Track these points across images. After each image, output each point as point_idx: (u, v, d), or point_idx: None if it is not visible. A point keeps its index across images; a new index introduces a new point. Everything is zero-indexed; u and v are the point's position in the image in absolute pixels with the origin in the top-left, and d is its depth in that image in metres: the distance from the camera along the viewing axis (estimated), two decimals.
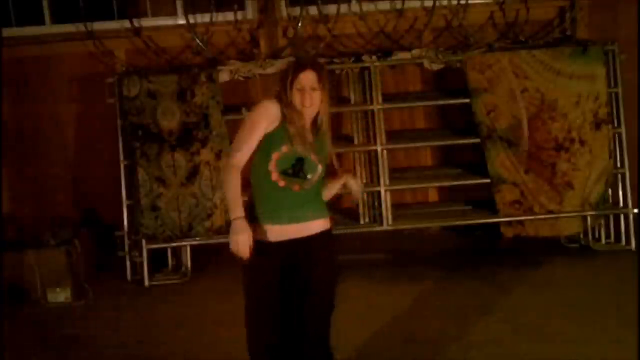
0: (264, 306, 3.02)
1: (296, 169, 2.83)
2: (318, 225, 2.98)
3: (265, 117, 2.81)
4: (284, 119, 2.80)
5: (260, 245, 2.84)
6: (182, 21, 5.82)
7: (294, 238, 2.89)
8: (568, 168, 5.31)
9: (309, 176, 2.85)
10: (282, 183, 2.84)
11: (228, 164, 2.85)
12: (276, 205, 2.88)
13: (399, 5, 5.79)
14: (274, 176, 2.84)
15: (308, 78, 2.80)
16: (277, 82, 2.91)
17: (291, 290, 2.96)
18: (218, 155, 5.38)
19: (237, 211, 2.82)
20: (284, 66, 2.97)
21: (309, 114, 2.83)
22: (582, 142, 5.31)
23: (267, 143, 2.83)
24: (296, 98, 2.80)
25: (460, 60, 5.36)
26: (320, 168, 2.88)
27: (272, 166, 2.82)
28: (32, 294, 5.05)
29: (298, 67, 2.84)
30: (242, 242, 2.78)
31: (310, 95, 2.80)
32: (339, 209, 6.01)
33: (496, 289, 4.73)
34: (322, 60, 5.56)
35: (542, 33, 5.86)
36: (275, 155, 2.82)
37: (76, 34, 5.82)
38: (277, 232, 2.88)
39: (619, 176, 5.43)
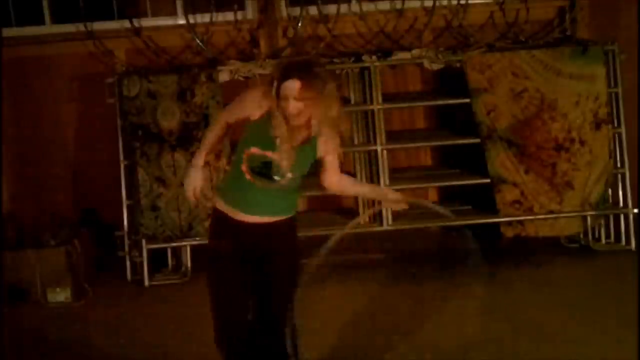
0: (224, 282, 3.03)
1: (263, 170, 2.82)
2: (275, 220, 2.92)
3: (251, 102, 2.82)
4: (269, 117, 2.75)
5: (221, 216, 2.91)
6: (182, 21, 5.82)
7: (251, 223, 2.88)
8: (568, 168, 5.31)
9: (276, 178, 2.82)
10: (248, 176, 2.83)
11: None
12: (238, 192, 2.88)
13: (399, 5, 5.79)
14: (244, 167, 2.84)
15: (292, 87, 2.65)
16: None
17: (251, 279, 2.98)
18: (218, 156, 5.37)
19: (197, 159, 2.98)
20: (273, 68, 2.87)
21: (295, 123, 2.72)
22: (582, 142, 5.31)
23: (245, 135, 2.86)
24: (281, 106, 2.70)
25: (460, 60, 5.36)
26: (291, 175, 2.81)
27: (243, 159, 2.83)
28: (32, 294, 5.05)
29: (283, 73, 2.70)
30: (189, 184, 2.94)
31: (294, 105, 2.66)
32: (339, 208, 6.02)
33: (496, 289, 4.73)
34: (322, 60, 5.57)
35: (542, 33, 5.86)
36: (245, 153, 2.83)
37: (76, 34, 5.82)
38: (234, 214, 2.89)
39: (619, 176, 5.43)
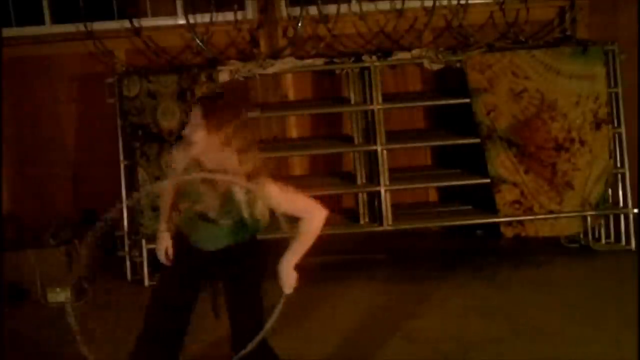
0: (164, 284, 3.20)
1: (202, 217, 2.91)
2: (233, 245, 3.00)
3: (173, 164, 2.97)
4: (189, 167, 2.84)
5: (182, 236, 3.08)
6: (182, 21, 5.82)
7: (208, 251, 3.01)
8: (568, 168, 5.31)
9: (219, 221, 2.89)
10: (192, 221, 2.97)
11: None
12: (191, 230, 3.03)
13: (399, 5, 5.79)
14: (186, 216, 3.04)
15: (193, 114, 2.75)
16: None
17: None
18: None
19: (161, 225, 3.22)
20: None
21: (199, 151, 2.75)
22: (582, 142, 5.31)
23: (178, 192, 3.07)
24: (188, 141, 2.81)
25: (460, 60, 5.36)
26: (227, 220, 2.87)
27: (182, 212, 3.06)
28: (32, 294, 5.05)
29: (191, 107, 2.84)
30: (159, 250, 3.18)
31: (194, 130, 2.73)
32: (339, 208, 6.02)
33: (496, 289, 4.73)
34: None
35: (542, 33, 5.86)
36: (180, 209, 3.07)
37: (76, 34, 5.82)
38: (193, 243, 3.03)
39: (619, 176, 5.43)
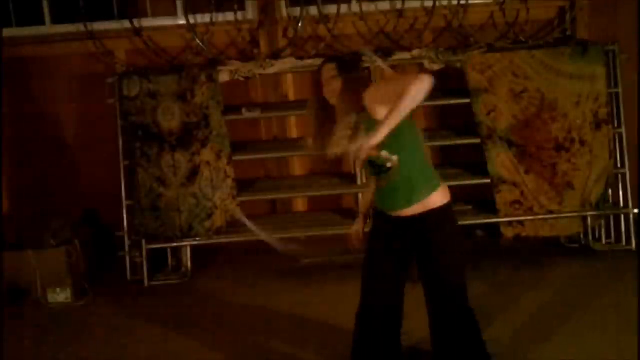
0: (370, 261, 3.22)
1: (376, 169, 3.04)
2: (417, 211, 3.03)
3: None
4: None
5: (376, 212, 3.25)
6: (182, 21, 5.82)
7: (396, 216, 3.09)
8: (568, 168, 5.31)
9: (387, 165, 2.97)
10: (376, 182, 3.16)
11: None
12: (377, 194, 3.22)
13: (399, 5, 5.79)
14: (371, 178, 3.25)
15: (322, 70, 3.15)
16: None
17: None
18: (218, 155, 5.38)
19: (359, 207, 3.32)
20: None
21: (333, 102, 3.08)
22: (582, 142, 5.31)
23: None
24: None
25: (460, 60, 5.36)
26: (387, 154, 2.92)
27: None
28: (32, 294, 5.05)
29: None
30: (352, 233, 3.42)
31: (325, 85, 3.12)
32: (339, 208, 6.02)
33: (496, 289, 4.73)
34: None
35: (542, 33, 5.86)
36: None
37: (76, 34, 5.82)
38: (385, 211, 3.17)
39: (619, 176, 5.44)
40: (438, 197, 3.03)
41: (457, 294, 3.06)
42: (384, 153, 2.91)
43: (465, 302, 3.07)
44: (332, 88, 3.08)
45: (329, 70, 3.12)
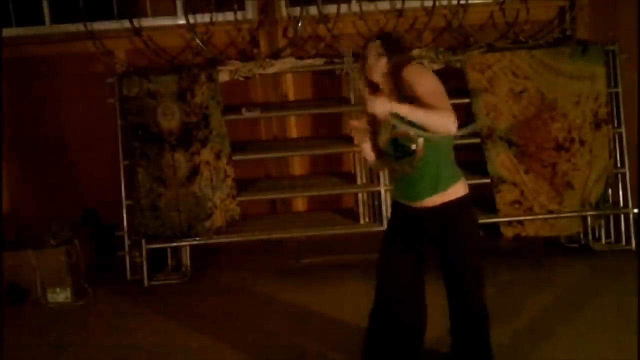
0: (387, 262, 3.25)
1: (398, 152, 3.04)
2: (432, 201, 3.06)
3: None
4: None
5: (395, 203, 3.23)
6: (182, 21, 5.82)
7: (415, 207, 3.10)
8: (568, 168, 5.31)
9: (411, 147, 2.94)
10: (393, 169, 3.15)
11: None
12: (397, 184, 3.23)
13: (399, 5, 5.79)
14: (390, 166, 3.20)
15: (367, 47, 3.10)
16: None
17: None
18: (218, 155, 5.38)
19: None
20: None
21: (375, 79, 3.07)
22: (582, 142, 5.31)
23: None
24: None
25: (460, 60, 5.36)
26: (416, 132, 2.86)
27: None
28: (32, 294, 5.05)
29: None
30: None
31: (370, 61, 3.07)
32: (339, 208, 6.02)
33: (496, 289, 4.73)
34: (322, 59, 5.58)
35: (542, 33, 5.86)
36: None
37: (76, 34, 5.82)
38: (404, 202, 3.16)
39: (619, 176, 5.44)
40: (460, 188, 3.09)
41: (478, 283, 3.13)
42: (414, 131, 2.84)
43: (484, 292, 3.17)
44: (377, 66, 3.05)
45: (376, 47, 3.08)
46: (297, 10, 5.76)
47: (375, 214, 5.45)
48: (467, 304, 3.15)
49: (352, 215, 5.67)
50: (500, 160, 5.32)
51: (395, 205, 3.25)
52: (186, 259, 5.49)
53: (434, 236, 3.10)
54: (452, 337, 3.25)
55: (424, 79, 2.94)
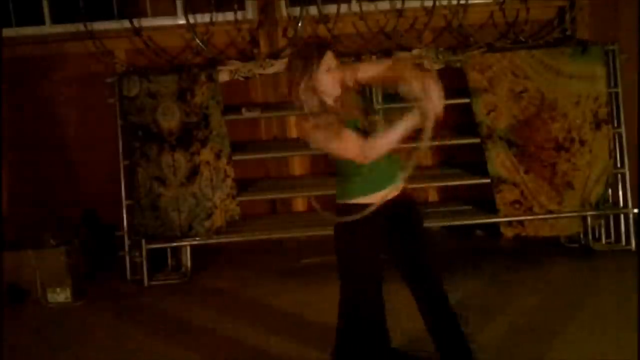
0: (369, 269, 3.34)
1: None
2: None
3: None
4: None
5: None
6: (182, 21, 5.81)
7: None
8: (568, 168, 5.31)
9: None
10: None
11: None
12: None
13: (399, 5, 5.79)
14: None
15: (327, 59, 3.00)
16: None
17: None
18: (218, 155, 5.38)
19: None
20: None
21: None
22: (582, 142, 5.31)
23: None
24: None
25: (460, 60, 5.36)
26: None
27: None
28: (32, 294, 5.05)
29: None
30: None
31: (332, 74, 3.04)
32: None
33: (496, 289, 4.73)
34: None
35: (542, 33, 5.86)
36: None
37: (76, 34, 5.82)
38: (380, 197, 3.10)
39: (619, 176, 5.43)
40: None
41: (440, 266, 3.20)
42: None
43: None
44: (340, 78, 2.98)
45: (332, 59, 2.99)
46: (297, 10, 5.76)
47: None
48: (441, 285, 3.28)
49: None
50: (500, 160, 5.32)
51: (366, 207, 3.04)
52: (186, 259, 5.48)
53: (399, 225, 3.11)
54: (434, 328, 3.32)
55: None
